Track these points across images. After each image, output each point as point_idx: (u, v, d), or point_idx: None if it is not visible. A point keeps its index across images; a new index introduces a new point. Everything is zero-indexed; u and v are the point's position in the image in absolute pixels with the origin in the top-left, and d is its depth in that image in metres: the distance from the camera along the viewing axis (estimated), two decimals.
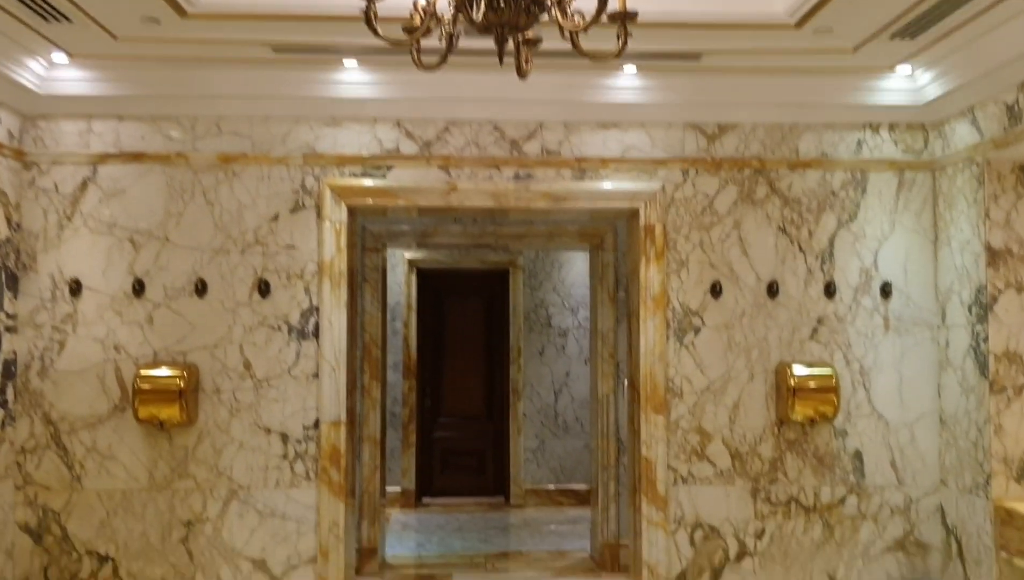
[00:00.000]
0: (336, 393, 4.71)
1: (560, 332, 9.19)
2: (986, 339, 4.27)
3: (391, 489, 8.83)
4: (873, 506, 4.68)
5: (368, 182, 4.73)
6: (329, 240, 4.72)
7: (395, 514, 8.68)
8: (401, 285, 9.07)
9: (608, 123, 4.74)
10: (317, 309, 4.70)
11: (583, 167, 4.74)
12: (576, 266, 9.02)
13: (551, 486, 9.12)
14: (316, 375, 4.69)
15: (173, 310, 4.66)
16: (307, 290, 4.71)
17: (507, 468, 9.19)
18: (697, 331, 4.72)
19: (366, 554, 6.51)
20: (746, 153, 4.74)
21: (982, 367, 4.30)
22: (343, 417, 4.71)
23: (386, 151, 4.74)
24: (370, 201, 4.78)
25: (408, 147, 4.74)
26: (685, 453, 4.68)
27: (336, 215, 4.75)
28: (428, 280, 9.22)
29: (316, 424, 4.67)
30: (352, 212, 4.85)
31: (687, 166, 4.75)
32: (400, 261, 9.02)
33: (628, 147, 4.75)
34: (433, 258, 9.00)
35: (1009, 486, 4.20)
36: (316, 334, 4.70)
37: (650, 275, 4.74)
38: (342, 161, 4.74)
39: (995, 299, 4.26)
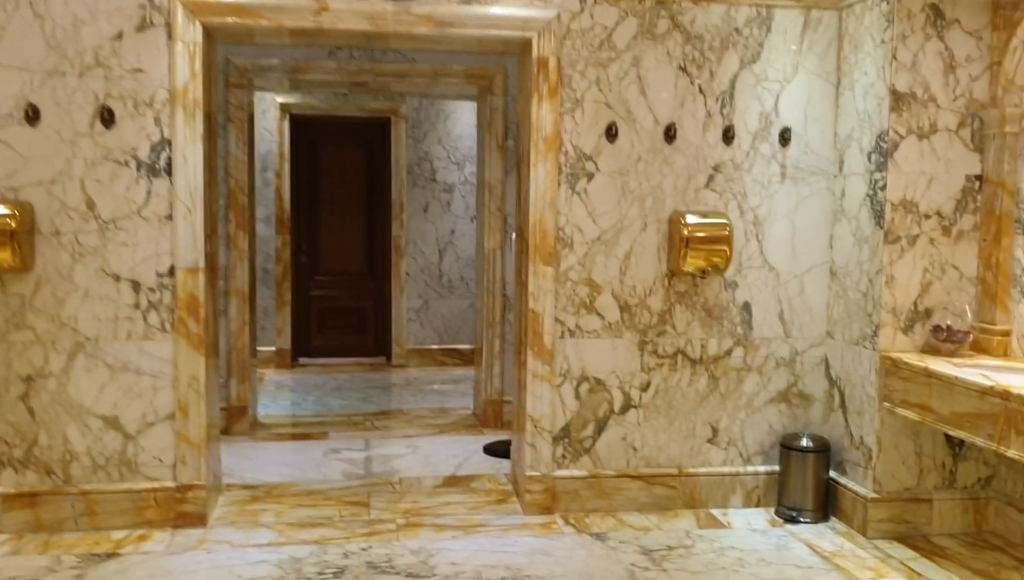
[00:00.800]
0: (193, 237, 4.24)
1: (446, 187, 8.81)
2: (884, 187, 4.12)
3: (265, 349, 8.46)
4: (759, 358, 4.60)
5: None
6: (182, 64, 4.16)
7: (269, 374, 8.34)
8: (273, 132, 8.44)
9: None
10: (169, 143, 4.18)
11: None
12: (463, 117, 8.56)
13: (435, 346, 8.92)
14: (170, 217, 4.20)
15: (0, 140, 4.06)
16: (157, 121, 4.17)
17: (389, 328, 8.92)
18: (590, 177, 4.42)
19: (235, 413, 6.19)
20: None
21: (878, 216, 4.17)
22: (201, 264, 4.27)
23: None
24: (229, 20, 4.21)
25: None
26: (574, 306, 4.46)
27: (190, 35, 4.16)
28: (303, 128, 8.61)
29: (171, 271, 4.22)
30: (209, 34, 4.28)
31: None
32: (271, 106, 8.37)
33: None
34: (308, 103, 8.38)
35: (896, 337, 4.14)
36: (169, 171, 4.19)
37: (542, 114, 4.37)
38: None
39: (896, 146, 4.09)
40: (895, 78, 4.07)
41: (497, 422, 6.30)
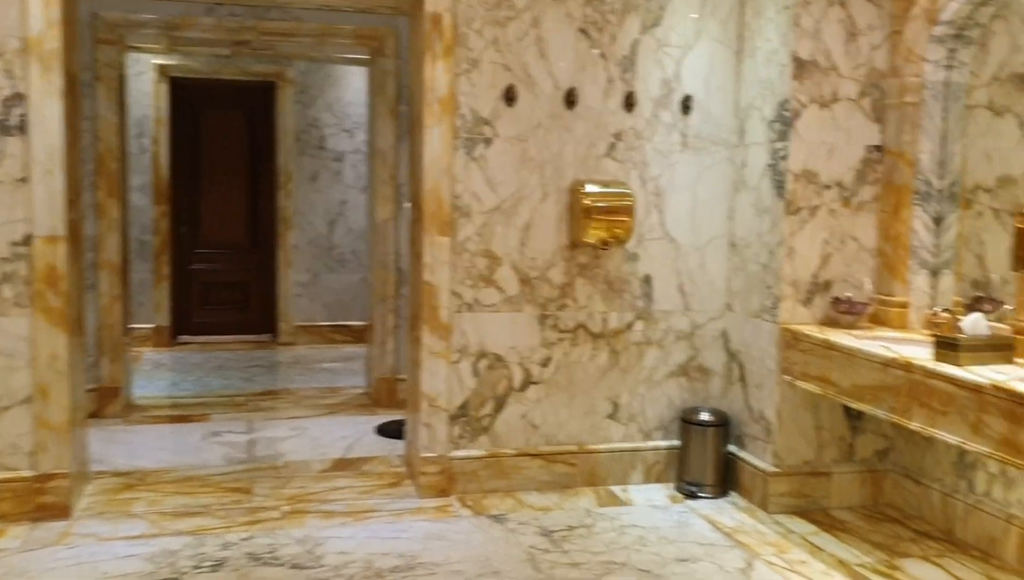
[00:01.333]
0: (51, 202, 3.85)
1: (335, 156, 8.45)
2: (785, 157, 4.05)
3: (143, 326, 7.98)
4: (659, 332, 4.49)
5: None
6: (36, 10, 3.75)
7: (147, 353, 7.86)
8: (149, 95, 7.91)
9: None
10: (23, 98, 3.76)
11: None
12: (353, 83, 8.20)
13: (324, 323, 8.58)
14: (25, 180, 3.80)
15: None
16: (9, 72, 3.75)
17: (275, 304, 8.53)
18: (488, 143, 4.21)
19: (107, 394, 5.77)
20: None
21: (779, 187, 4.10)
22: (62, 231, 3.88)
23: None
24: None
25: None
26: (471, 278, 4.25)
27: None
28: (182, 92, 8.11)
29: (27, 240, 3.82)
30: None
31: None
32: (148, 67, 7.83)
33: None
34: (187, 66, 7.88)
35: (796, 309, 4.09)
36: (23, 129, 3.78)
37: (436, 75, 4.13)
38: None
39: (798, 115, 4.02)
40: (797, 45, 3.99)
41: (391, 401, 6.05)
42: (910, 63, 3.91)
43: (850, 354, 3.59)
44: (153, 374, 7.10)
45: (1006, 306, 3.53)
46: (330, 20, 5.79)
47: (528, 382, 4.36)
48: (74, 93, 4.11)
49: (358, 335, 8.22)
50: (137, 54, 6.94)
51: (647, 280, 4.46)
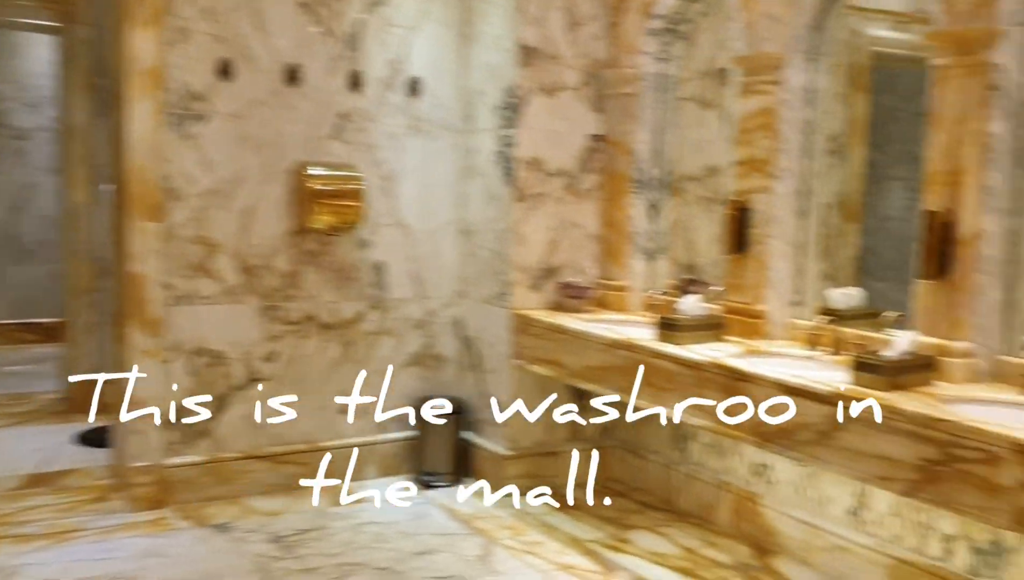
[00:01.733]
0: None
1: (17, 134, 7.49)
2: (513, 144, 4.07)
3: None
4: (393, 321, 4.38)
5: None
6: None
7: None
8: None
9: None
10: None
11: None
12: (37, 53, 7.30)
13: (10, 321, 7.61)
14: None
15: None
16: None
17: None
18: (202, 120, 3.87)
19: None
20: None
21: (507, 174, 4.12)
22: None
23: None
24: None
25: None
26: (185, 268, 3.89)
27: None
28: None
29: None
30: None
31: None
32: None
33: None
34: None
35: (526, 295, 4.14)
36: None
37: (140, 45, 3.72)
38: None
39: (524, 102, 4.05)
40: (523, 31, 4.02)
41: (93, 406, 5.45)
42: (628, 55, 4.06)
43: (578, 337, 3.68)
44: None
45: (714, 287, 3.77)
46: None
47: (252, 379, 4.07)
48: None
49: (50, 334, 7.35)
50: None
51: (379, 267, 4.32)
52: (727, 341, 3.35)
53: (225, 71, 3.88)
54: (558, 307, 4.16)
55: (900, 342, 2.65)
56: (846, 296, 3.55)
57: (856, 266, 3.48)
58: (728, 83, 4.16)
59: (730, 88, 4.14)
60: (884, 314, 3.10)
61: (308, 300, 4.17)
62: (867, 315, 3.50)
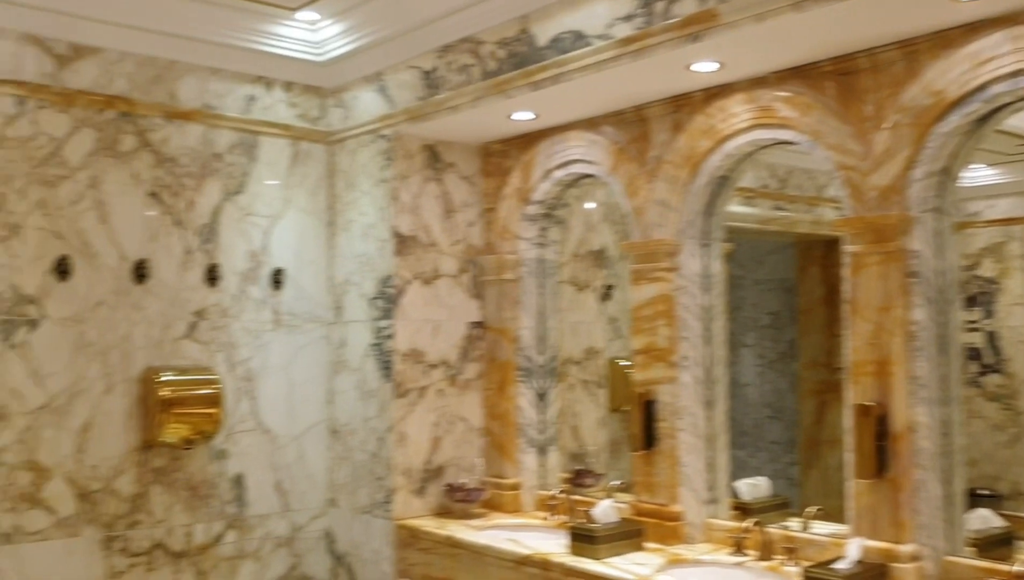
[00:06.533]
0: None
1: None
2: (390, 336, 3.78)
3: None
4: (255, 540, 3.86)
5: None
6: None
7: None
8: None
9: None
10: None
11: None
12: None
13: None
14: None
15: None
16: None
17: None
18: (33, 326, 3.37)
19: None
20: (110, 89, 3.56)
21: (385, 368, 3.80)
22: None
23: None
24: None
25: None
26: (10, 499, 3.29)
27: None
28: None
29: None
30: None
31: (25, 94, 3.38)
32: None
33: None
34: None
35: (410, 501, 3.75)
36: None
37: None
38: None
39: (401, 291, 3.79)
40: (397, 220, 3.80)
41: None
42: (505, 240, 3.91)
43: (477, 552, 3.31)
44: None
45: (613, 481, 3.55)
46: None
47: None
48: None
49: None
50: None
51: (238, 480, 3.83)
52: (646, 550, 3.07)
53: (62, 269, 3.43)
54: (445, 512, 3.79)
55: (851, 551, 2.46)
56: (752, 486, 3.40)
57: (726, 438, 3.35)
58: (602, 264, 4.11)
59: (607, 268, 4.08)
60: (807, 509, 2.94)
61: (157, 525, 3.62)
62: (777, 506, 3.36)
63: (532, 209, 3.86)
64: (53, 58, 3.44)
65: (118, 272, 3.57)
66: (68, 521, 3.41)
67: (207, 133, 3.82)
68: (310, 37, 3.90)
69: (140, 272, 3.62)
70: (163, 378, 3.59)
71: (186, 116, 3.76)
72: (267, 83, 3.97)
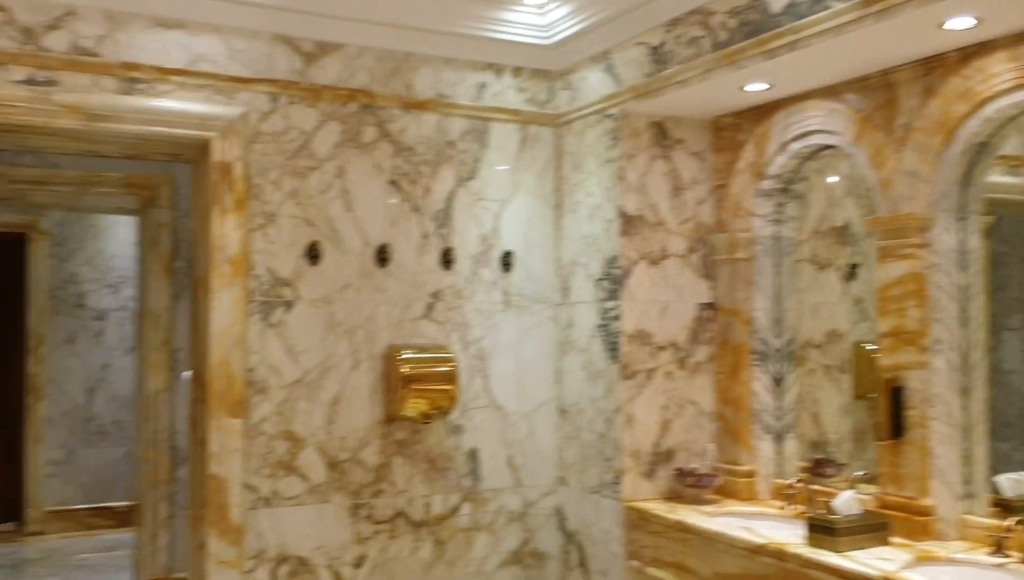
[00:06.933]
0: None
1: (97, 314, 7.45)
2: (616, 317, 3.76)
3: None
4: (489, 514, 3.98)
5: None
6: None
7: None
8: None
9: (169, 20, 3.47)
10: None
11: (133, 77, 3.42)
12: (120, 233, 7.35)
13: (82, 506, 7.36)
14: None
15: None
16: None
17: (20, 487, 7.23)
18: (289, 306, 3.64)
19: None
20: (352, 83, 3.77)
21: (611, 349, 3.78)
22: None
23: None
24: None
25: None
26: (269, 467, 3.58)
27: None
28: None
29: None
30: None
31: (277, 91, 3.65)
32: None
33: (197, 57, 3.52)
34: None
35: (639, 484, 3.72)
36: None
37: (226, 231, 3.56)
38: None
39: (627, 272, 3.76)
40: (624, 199, 3.77)
41: None
42: (738, 217, 3.77)
43: (709, 539, 3.23)
44: None
45: (857, 472, 3.34)
46: (93, 167, 5.07)
47: None
48: None
49: (123, 518, 7.09)
50: None
51: (473, 455, 3.96)
52: (892, 545, 2.87)
53: (313, 254, 3.68)
54: (675, 496, 3.73)
55: None
56: (1016, 482, 3.08)
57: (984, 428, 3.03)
58: (846, 241, 3.85)
59: (852, 246, 3.82)
60: None
61: (399, 495, 3.82)
62: None
63: (767, 184, 3.69)
64: (301, 56, 3.69)
65: (362, 256, 3.78)
66: (320, 488, 3.67)
67: (441, 122, 3.95)
68: (538, 21, 3.94)
69: (382, 256, 3.82)
70: (404, 356, 3.77)
71: (421, 106, 3.91)
72: (497, 69, 4.05)
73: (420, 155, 3.91)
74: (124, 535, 6.56)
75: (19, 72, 3.26)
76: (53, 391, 7.27)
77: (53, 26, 3.31)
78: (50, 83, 3.30)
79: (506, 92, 4.07)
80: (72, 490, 7.32)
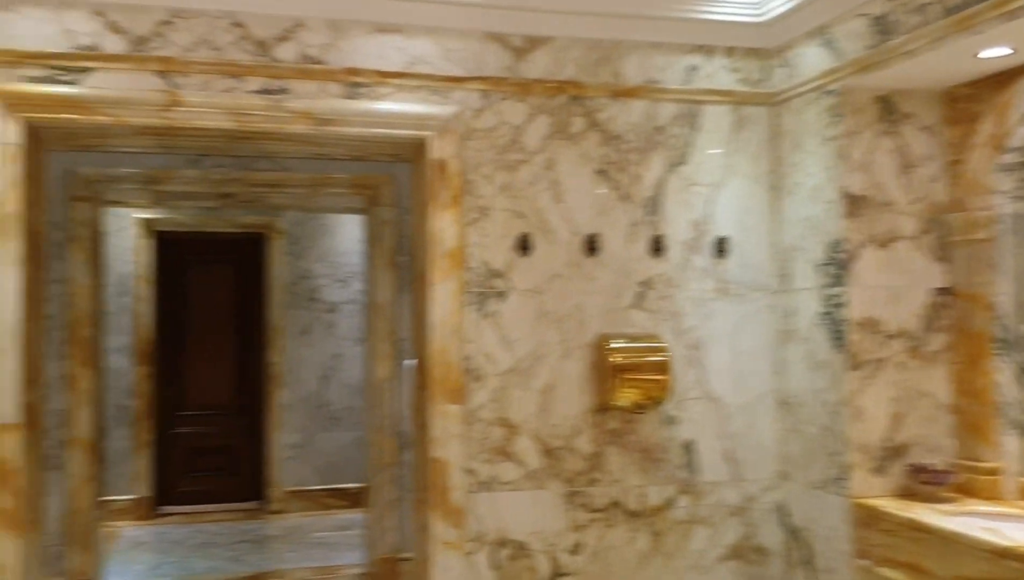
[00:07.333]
0: (5, 385, 3.33)
1: (328, 307, 7.98)
2: (842, 304, 3.57)
3: (121, 498, 7.32)
4: (706, 507, 3.90)
5: (54, 89, 3.37)
6: None
7: (125, 529, 7.16)
8: (131, 251, 7.50)
9: (388, 26, 3.63)
10: None
11: (356, 81, 3.61)
12: (348, 231, 7.82)
13: (317, 487, 7.91)
14: None
15: None
16: None
17: (263, 468, 7.88)
18: (502, 297, 3.73)
19: None
20: (560, 75, 3.80)
21: (836, 338, 3.60)
22: (17, 418, 3.34)
23: (81, 48, 3.39)
24: (58, 116, 3.42)
25: (114, 44, 3.42)
26: (486, 452, 3.69)
27: (6, 134, 3.35)
28: (165, 246, 7.71)
29: None
30: (35, 134, 3.48)
31: (488, 88, 3.73)
32: (130, 223, 7.45)
33: (414, 59, 3.66)
34: (173, 219, 7.51)
35: (868, 480, 3.52)
36: None
37: (442, 226, 3.69)
38: (16, 60, 3.34)
39: (853, 256, 3.56)
40: (847, 179, 3.57)
41: None
42: (975, 195, 3.48)
43: (948, 540, 3.00)
44: (130, 556, 6.41)
45: None
46: (322, 169, 5.42)
47: (557, 573, 3.73)
48: (38, 258, 3.65)
49: (354, 499, 7.54)
50: (117, 209, 6.55)
51: (688, 446, 3.90)
52: None
53: (524, 246, 3.75)
54: (909, 493, 3.49)
55: None
56: None
57: None
58: None
59: None
60: None
61: (613, 484, 3.82)
62: None
63: (1009, 158, 3.38)
64: (511, 52, 3.75)
65: (571, 246, 3.81)
66: (535, 474, 3.73)
67: (650, 108, 3.91)
68: None
69: (591, 246, 3.82)
70: (614, 345, 3.76)
71: (630, 93, 3.88)
72: (708, 51, 3.95)
73: (628, 143, 3.88)
74: (356, 515, 6.98)
75: (255, 83, 3.53)
76: (290, 379, 7.86)
77: (283, 38, 3.55)
78: (282, 91, 3.55)
79: (718, 73, 3.96)
80: (309, 472, 7.88)
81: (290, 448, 7.84)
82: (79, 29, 3.40)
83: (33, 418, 3.55)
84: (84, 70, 3.40)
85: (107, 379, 5.89)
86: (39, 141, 3.60)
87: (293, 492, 7.83)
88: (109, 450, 6.87)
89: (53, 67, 3.38)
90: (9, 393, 3.34)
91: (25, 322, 3.41)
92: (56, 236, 4.85)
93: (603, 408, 3.80)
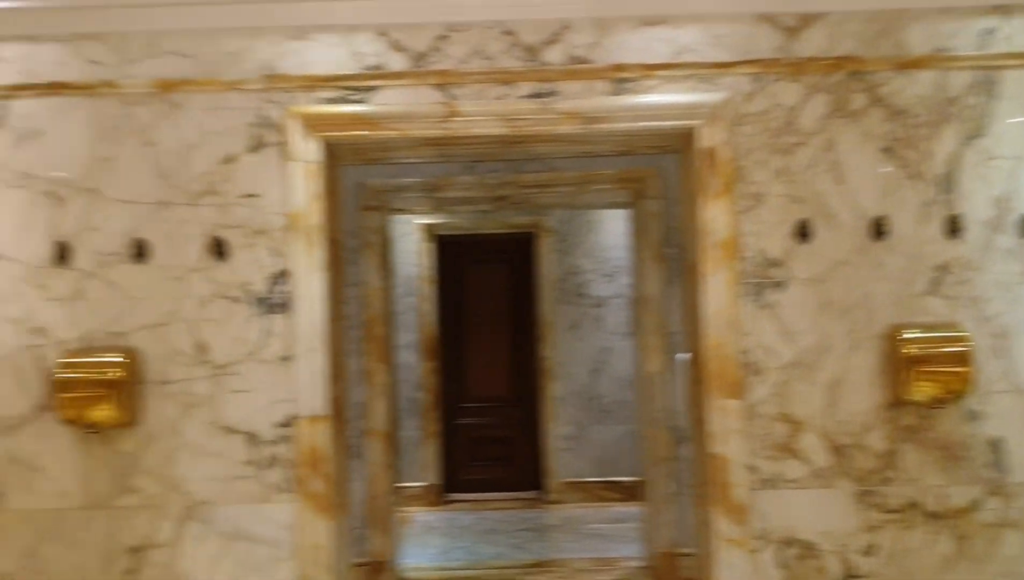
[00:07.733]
0: (315, 380, 3.67)
1: (596, 302, 8.10)
2: None
3: (413, 485, 7.86)
4: (1019, 510, 3.55)
5: (346, 109, 3.67)
6: (300, 185, 3.67)
7: (418, 514, 7.68)
8: (414, 254, 8.03)
9: (653, 18, 3.62)
10: (287, 274, 3.65)
11: (622, 77, 3.63)
12: (612, 227, 7.90)
13: (592, 478, 8.06)
14: (287, 358, 3.65)
15: (106, 281, 3.64)
16: (274, 250, 3.66)
17: (540, 459, 8.14)
18: (780, 287, 3.60)
19: (375, 569, 5.52)
20: (837, 51, 3.60)
21: None
22: (326, 410, 3.68)
23: (367, 68, 3.66)
24: (351, 132, 3.72)
25: (396, 62, 3.66)
26: (769, 448, 3.58)
27: (307, 152, 3.69)
28: (445, 248, 8.18)
29: (290, 421, 3.64)
30: (332, 151, 3.81)
31: (759, 71, 3.61)
32: (413, 228, 7.98)
33: (681, 49, 3.62)
34: (450, 224, 7.96)
35: None
36: (287, 306, 3.65)
37: (714, 216, 3.62)
38: (312, 84, 3.67)
39: None
40: None
41: (675, 578, 5.35)
42: None
43: None
44: (424, 538, 6.86)
45: None
46: (589, 166, 5.51)
47: (849, 576, 3.55)
48: (338, 264, 3.99)
49: (629, 492, 7.61)
50: (402, 216, 7.04)
51: (995, 444, 3.56)
52: None
53: (802, 233, 3.60)
54: None
55: None
56: None
57: None
58: None
59: None
60: None
61: (909, 483, 3.57)
62: None
63: None
64: (783, 32, 3.61)
65: (855, 231, 3.60)
66: (822, 472, 3.57)
67: (939, 78, 3.61)
68: None
69: (878, 229, 3.60)
70: (907, 335, 3.52)
71: (916, 64, 3.60)
72: (1005, 11, 3.58)
73: (916, 117, 3.61)
74: (632, 508, 7.04)
75: (526, 88, 3.65)
76: (562, 373, 8.06)
77: (551, 41, 3.64)
78: (551, 94, 3.64)
79: (1019, 35, 3.58)
80: (583, 464, 8.04)
81: (564, 439, 8.05)
82: (366, 50, 3.67)
83: (339, 410, 3.89)
84: (371, 89, 3.67)
85: (398, 374, 6.33)
86: (335, 157, 3.93)
87: (569, 483, 8.03)
88: (402, 440, 7.39)
89: (345, 88, 3.67)
90: (319, 388, 3.68)
91: (330, 323, 3.74)
92: (351, 243, 5.29)
93: (896, 403, 3.57)
